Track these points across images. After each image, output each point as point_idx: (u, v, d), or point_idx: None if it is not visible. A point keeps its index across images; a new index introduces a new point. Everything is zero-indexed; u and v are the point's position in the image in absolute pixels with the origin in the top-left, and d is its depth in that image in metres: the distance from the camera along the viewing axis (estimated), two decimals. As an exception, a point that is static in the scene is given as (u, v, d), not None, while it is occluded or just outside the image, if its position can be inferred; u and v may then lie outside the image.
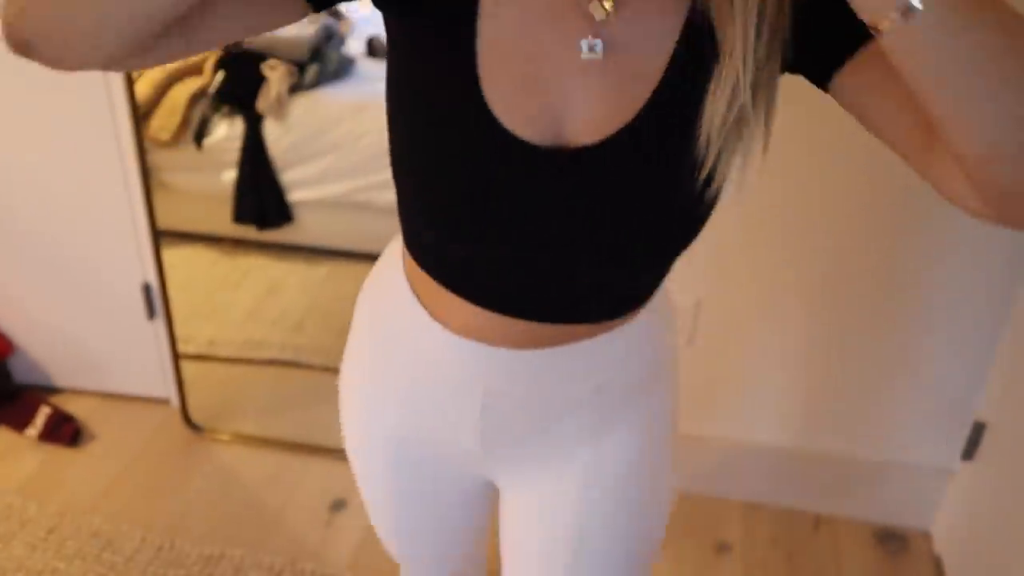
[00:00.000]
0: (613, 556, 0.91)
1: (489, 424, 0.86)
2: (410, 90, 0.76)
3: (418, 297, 0.84)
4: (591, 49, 0.68)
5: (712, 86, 0.66)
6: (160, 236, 2.01)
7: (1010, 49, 0.50)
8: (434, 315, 0.83)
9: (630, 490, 0.90)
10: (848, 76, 0.67)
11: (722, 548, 1.88)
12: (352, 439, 1.03)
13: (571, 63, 0.69)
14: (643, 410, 0.89)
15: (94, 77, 1.85)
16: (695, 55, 0.68)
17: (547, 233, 0.73)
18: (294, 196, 2.47)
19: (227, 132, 2.38)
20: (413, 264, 0.84)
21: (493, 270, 0.77)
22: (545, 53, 0.69)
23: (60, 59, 0.66)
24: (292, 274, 2.58)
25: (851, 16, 0.54)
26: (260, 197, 2.46)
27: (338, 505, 1.95)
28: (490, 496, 1.01)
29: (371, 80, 2.49)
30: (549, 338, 0.80)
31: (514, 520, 0.95)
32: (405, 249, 0.86)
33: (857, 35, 0.63)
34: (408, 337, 0.87)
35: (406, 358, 0.88)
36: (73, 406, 2.22)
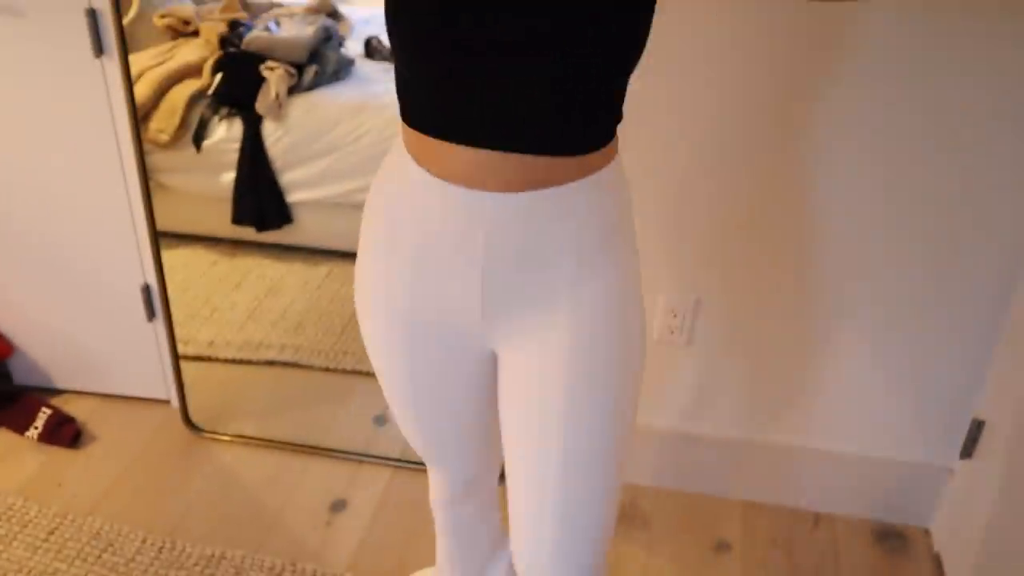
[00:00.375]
0: (601, 398, 1.01)
1: (489, 276, 0.96)
2: None
3: (416, 160, 0.95)
4: None
5: None
6: (159, 237, 2.01)
7: None
8: (432, 173, 0.93)
9: (612, 330, 1.00)
10: None
11: (722, 547, 1.88)
12: (369, 325, 1.11)
13: None
14: (613, 257, 1.00)
15: (94, 79, 1.85)
16: None
17: (506, 33, 0.83)
18: (293, 197, 2.47)
19: (226, 133, 2.39)
20: (409, 132, 0.96)
21: (471, 97, 0.87)
22: None
23: None
24: (291, 275, 2.59)
25: None
26: (259, 198, 2.46)
27: (338, 506, 1.95)
28: (494, 372, 1.11)
29: (370, 81, 2.49)
30: (534, 180, 0.91)
31: (511, 379, 1.05)
32: (402, 123, 0.97)
33: None
34: (411, 205, 0.97)
35: (412, 228, 0.98)
36: (73, 407, 2.23)
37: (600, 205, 0.97)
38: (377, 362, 1.14)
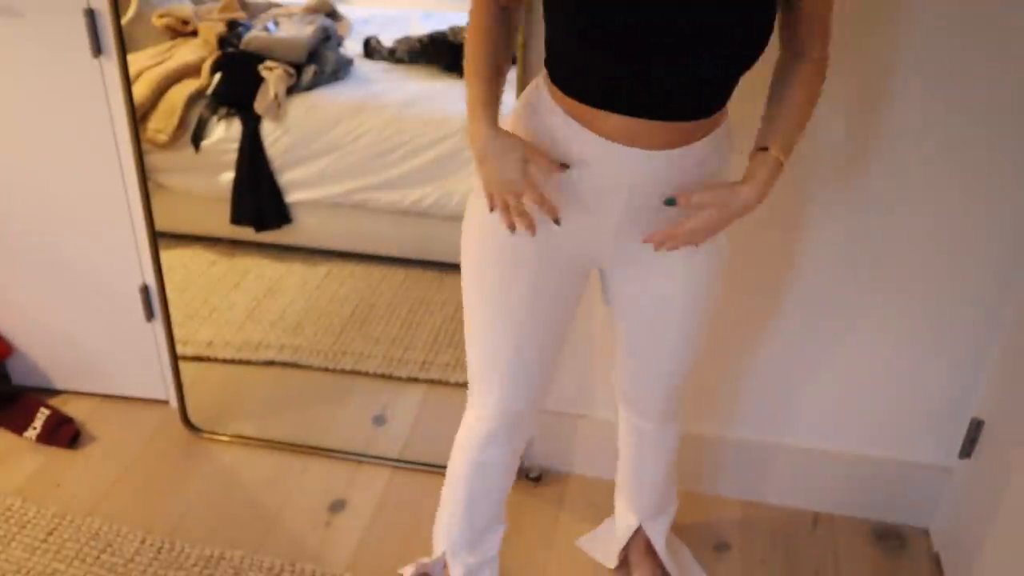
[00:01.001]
0: (707, 297, 1.34)
1: (627, 216, 1.20)
2: None
3: (570, 115, 1.15)
4: None
5: None
6: (158, 238, 2.01)
7: (807, 119, 1.21)
8: (586, 127, 1.14)
9: (718, 247, 1.32)
10: None
11: (721, 547, 1.88)
12: (500, 238, 1.27)
13: None
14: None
15: (92, 79, 1.85)
16: None
17: (672, 41, 1.04)
18: (292, 197, 2.47)
19: (225, 133, 2.39)
20: (559, 94, 1.16)
21: (632, 79, 1.08)
22: None
23: None
24: (290, 275, 2.59)
25: None
26: (258, 198, 2.46)
27: (337, 506, 1.95)
28: (585, 285, 1.38)
29: (369, 81, 2.49)
30: (672, 140, 1.13)
31: (630, 282, 1.34)
32: (549, 85, 1.17)
33: None
34: (560, 147, 1.16)
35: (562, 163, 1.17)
36: (72, 408, 2.23)
37: (719, 152, 1.20)
38: (497, 272, 1.30)
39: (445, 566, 1.58)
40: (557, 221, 1.20)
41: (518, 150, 1.15)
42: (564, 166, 1.16)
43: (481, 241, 1.30)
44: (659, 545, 1.72)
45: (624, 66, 1.08)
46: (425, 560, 1.66)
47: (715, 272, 1.34)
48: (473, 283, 1.34)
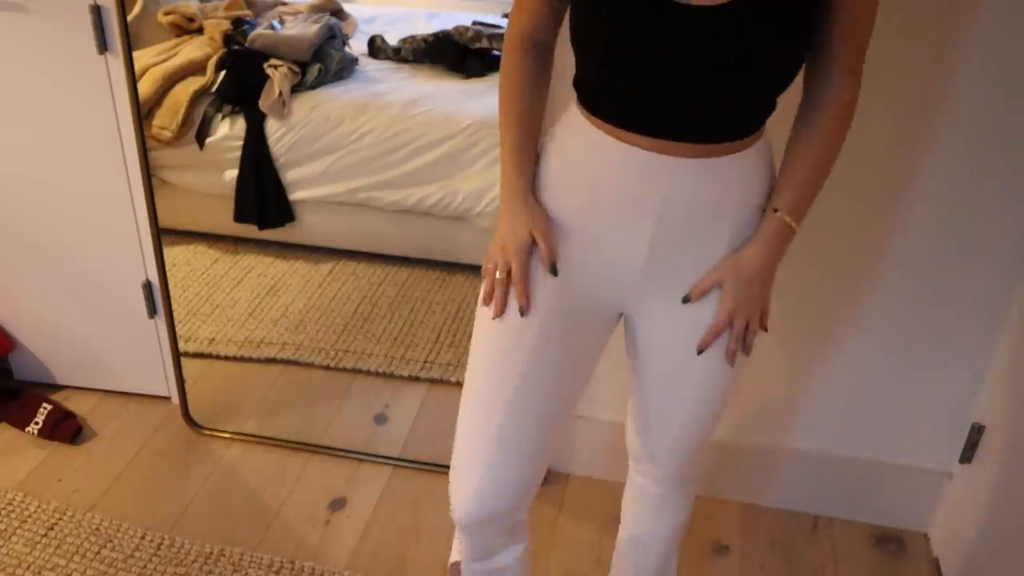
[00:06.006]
0: (731, 369, 1.20)
1: (661, 232, 1.10)
2: None
3: (598, 130, 1.09)
4: None
5: None
6: (161, 234, 2.01)
7: (826, 175, 1.12)
8: (617, 139, 1.08)
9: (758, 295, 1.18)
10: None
11: (720, 549, 1.88)
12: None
13: None
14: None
15: (97, 75, 1.85)
16: None
17: (691, 68, 0.99)
18: (295, 195, 2.47)
19: (229, 131, 2.39)
20: (592, 117, 1.10)
21: (658, 105, 1.03)
22: None
23: None
24: (293, 273, 2.59)
25: None
26: (261, 196, 2.46)
27: (337, 504, 1.96)
28: (610, 329, 1.24)
29: (373, 80, 2.50)
30: (705, 152, 1.06)
31: (659, 324, 1.19)
32: (582, 110, 1.11)
33: None
34: (590, 161, 1.10)
35: (586, 179, 1.11)
36: (74, 404, 2.23)
37: (756, 172, 1.12)
38: (496, 326, 1.17)
39: None
40: (555, 271, 1.13)
41: (531, 217, 1.11)
42: (554, 270, 1.12)
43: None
44: None
45: (646, 89, 1.03)
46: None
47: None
48: (473, 347, 1.22)
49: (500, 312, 1.14)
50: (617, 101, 1.07)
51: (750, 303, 1.13)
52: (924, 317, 1.72)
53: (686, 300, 1.13)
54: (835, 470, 1.92)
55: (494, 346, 1.17)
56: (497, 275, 1.13)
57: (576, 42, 1.07)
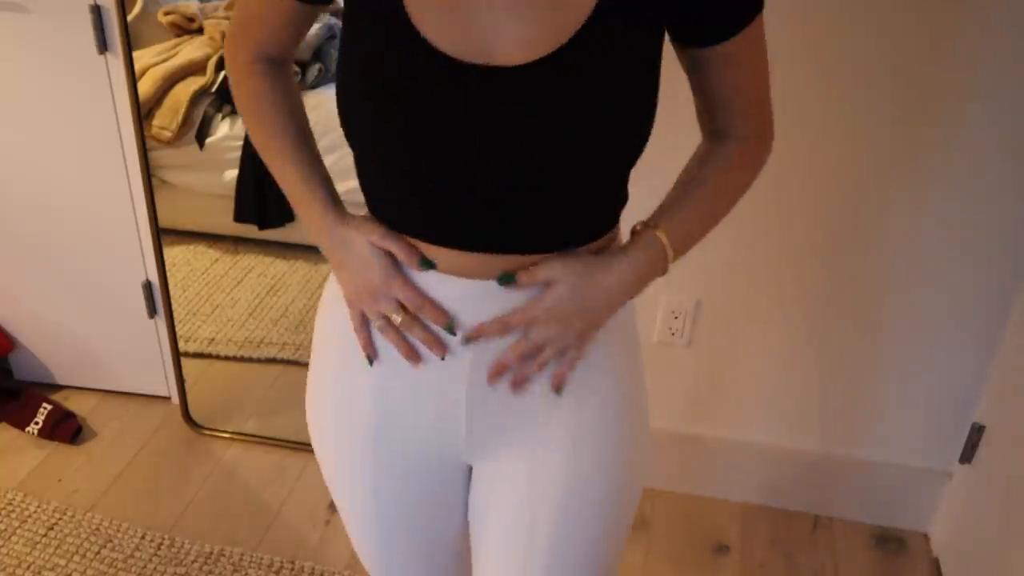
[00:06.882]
0: (595, 525, 0.91)
1: (476, 377, 0.85)
2: (348, 36, 0.78)
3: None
4: None
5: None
6: (161, 234, 2.01)
7: (721, 213, 0.88)
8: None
9: (614, 451, 0.90)
10: (723, 48, 0.78)
11: (720, 549, 1.88)
12: (325, 442, 0.96)
13: None
14: (615, 357, 0.89)
15: (97, 75, 1.85)
16: None
17: (489, 154, 0.73)
18: (295, 195, 2.47)
19: (229, 131, 2.39)
20: (367, 211, 0.86)
21: (450, 203, 0.77)
22: None
23: None
24: (293, 273, 2.59)
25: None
26: (261, 196, 2.46)
27: (338, 504, 1.96)
28: (466, 485, 0.97)
29: (373, 80, 2.49)
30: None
31: (492, 492, 0.92)
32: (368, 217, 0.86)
33: (743, 15, 0.77)
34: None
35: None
36: (74, 403, 2.23)
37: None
38: (338, 496, 0.99)
39: None
40: (441, 357, 0.85)
41: (360, 233, 0.83)
42: (427, 262, 0.81)
43: (316, 447, 0.99)
44: None
45: (441, 180, 0.76)
46: None
47: (620, 445, 0.90)
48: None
49: (418, 357, 0.86)
50: (396, 198, 0.81)
51: (575, 322, 0.82)
52: (924, 317, 1.72)
53: (506, 280, 0.80)
54: (835, 470, 1.92)
55: (345, 515, 1.01)
56: (378, 324, 0.86)
57: (345, 120, 0.83)
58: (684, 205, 0.85)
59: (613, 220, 0.86)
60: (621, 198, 0.85)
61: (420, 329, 0.83)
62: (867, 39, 1.48)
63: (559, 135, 0.73)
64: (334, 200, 0.89)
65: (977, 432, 1.77)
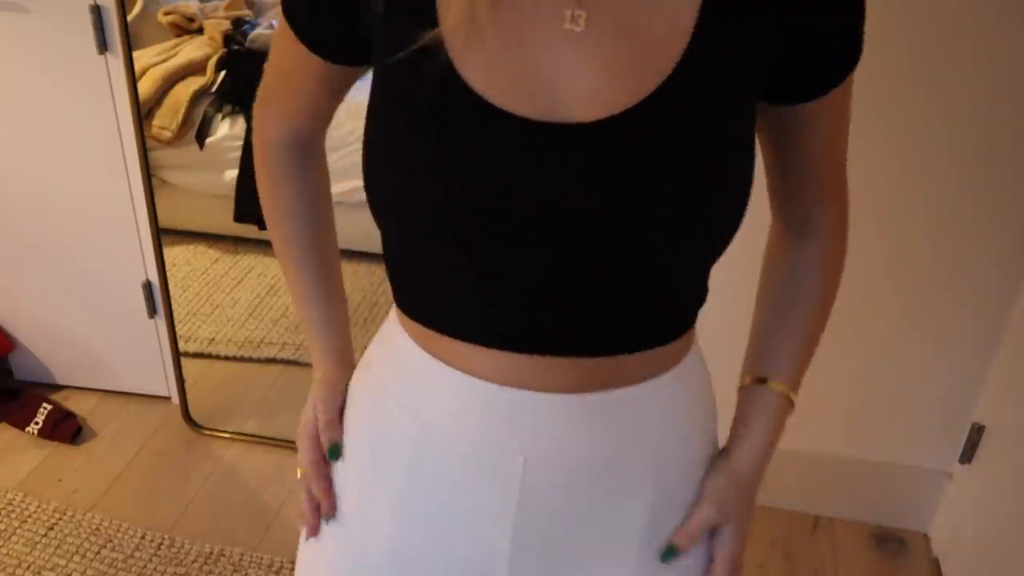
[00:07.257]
0: None
1: (526, 514, 0.67)
2: (379, 92, 0.64)
3: (421, 345, 0.69)
4: (573, 20, 0.57)
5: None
6: (162, 234, 2.01)
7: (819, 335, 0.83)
8: (446, 362, 0.67)
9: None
10: (819, 104, 0.67)
11: (720, 549, 1.88)
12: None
13: (557, 33, 0.58)
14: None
15: (97, 75, 1.85)
16: (725, 14, 0.59)
17: (553, 225, 0.58)
18: (295, 195, 2.47)
19: (229, 131, 2.39)
20: (415, 328, 0.69)
21: (509, 291, 0.62)
22: (528, 19, 0.58)
23: None
24: (293, 273, 2.59)
25: (835, 52, 0.65)
26: (262, 196, 2.46)
27: (338, 504, 1.95)
28: None
29: (373, 80, 2.49)
30: (596, 380, 0.65)
31: None
32: (401, 317, 0.72)
33: (845, 63, 0.67)
34: (408, 408, 0.70)
35: (405, 445, 0.70)
36: (74, 403, 2.23)
37: (686, 409, 0.73)
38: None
39: None
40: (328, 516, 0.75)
41: (323, 412, 0.75)
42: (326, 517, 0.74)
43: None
44: None
45: (485, 273, 0.62)
46: None
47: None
48: None
49: (313, 531, 0.76)
50: (446, 291, 0.65)
51: (744, 531, 0.73)
52: (924, 317, 1.72)
53: (670, 554, 0.70)
54: (835, 470, 1.92)
55: None
56: (298, 474, 0.77)
57: (381, 200, 0.64)
58: (791, 341, 0.79)
59: (692, 318, 0.73)
60: (702, 292, 0.72)
61: (309, 514, 0.76)
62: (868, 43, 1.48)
63: (640, 205, 0.58)
64: (335, 344, 0.81)
65: (977, 432, 1.77)
